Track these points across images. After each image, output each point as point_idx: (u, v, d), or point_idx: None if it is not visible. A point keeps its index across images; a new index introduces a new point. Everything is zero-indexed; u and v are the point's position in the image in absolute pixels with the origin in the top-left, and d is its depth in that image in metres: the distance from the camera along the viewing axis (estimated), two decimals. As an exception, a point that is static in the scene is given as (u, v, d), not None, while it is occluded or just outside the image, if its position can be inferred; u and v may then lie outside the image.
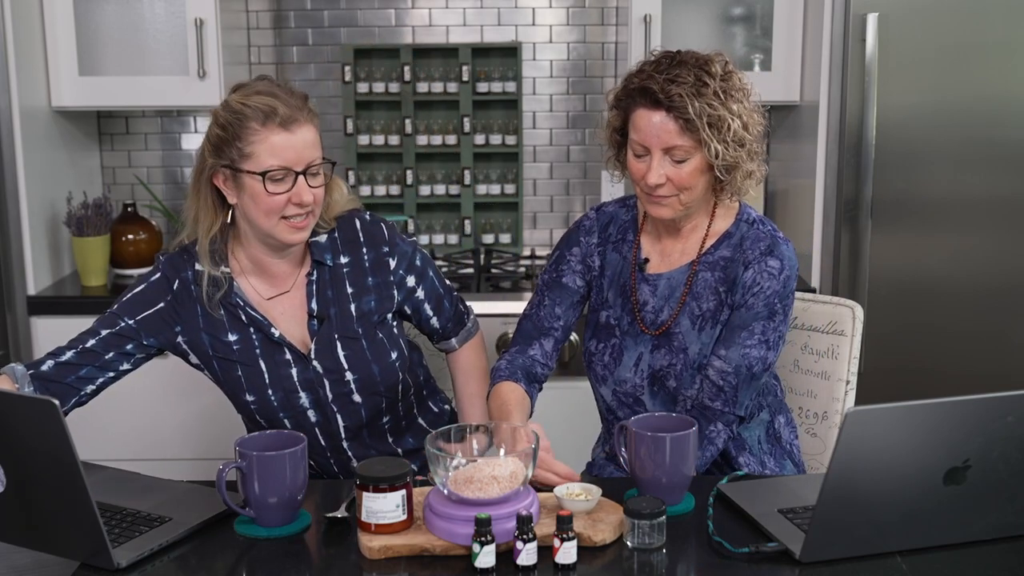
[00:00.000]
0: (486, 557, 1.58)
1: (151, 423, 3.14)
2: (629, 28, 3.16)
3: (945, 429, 1.56)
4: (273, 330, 2.02)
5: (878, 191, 2.98)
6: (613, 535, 1.68)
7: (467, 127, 3.52)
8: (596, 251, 2.15)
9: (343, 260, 2.07)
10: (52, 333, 3.10)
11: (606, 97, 2.06)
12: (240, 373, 2.02)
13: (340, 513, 1.75)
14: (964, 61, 2.93)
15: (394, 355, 2.08)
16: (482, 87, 3.50)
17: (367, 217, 2.12)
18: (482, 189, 3.57)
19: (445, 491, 1.66)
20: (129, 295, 2.03)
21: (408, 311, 2.15)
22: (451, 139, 3.52)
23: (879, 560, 1.62)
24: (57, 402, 1.51)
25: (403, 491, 1.66)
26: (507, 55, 3.52)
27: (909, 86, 2.95)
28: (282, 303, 2.05)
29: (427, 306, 2.16)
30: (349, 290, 2.06)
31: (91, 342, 1.98)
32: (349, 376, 2.04)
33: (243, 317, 2.02)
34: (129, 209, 3.38)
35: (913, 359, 3.05)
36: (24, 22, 3.08)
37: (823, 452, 2.23)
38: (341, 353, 2.04)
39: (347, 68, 3.49)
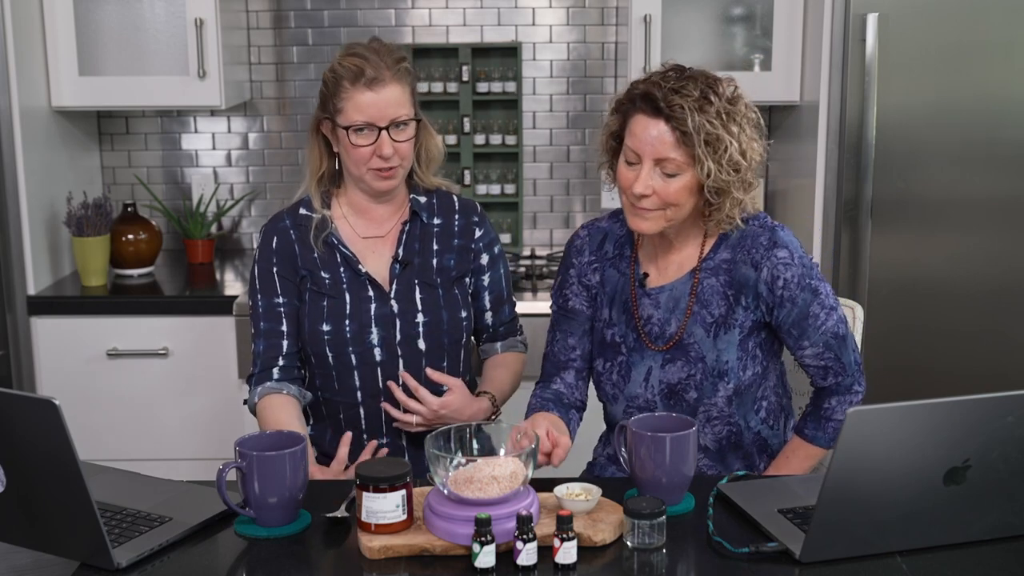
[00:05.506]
0: (486, 557, 1.58)
1: (151, 423, 3.14)
2: (629, 28, 3.16)
3: (945, 429, 1.56)
4: (360, 267, 2.20)
5: (878, 191, 2.97)
6: (613, 535, 1.68)
7: (467, 127, 3.51)
8: (590, 269, 2.13)
9: (436, 221, 2.26)
10: (52, 333, 3.11)
11: (609, 102, 2.04)
12: (325, 303, 2.19)
13: (340, 513, 1.75)
14: (964, 61, 2.93)
15: (464, 313, 2.23)
16: (482, 87, 3.50)
17: (464, 198, 2.33)
18: (482, 189, 3.57)
19: (445, 491, 1.66)
20: (258, 280, 2.21)
21: (470, 290, 2.26)
22: (451, 139, 3.52)
23: (879, 560, 1.62)
24: (57, 402, 1.51)
25: (403, 491, 1.66)
26: (507, 55, 3.52)
27: (909, 86, 2.94)
28: (375, 245, 2.24)
29: (486, 296, 2.29)
30: (435, 246, 2.24)
31: (285, 326, 2.19)
32: (420, 318, 2.19)
33: (337, 255, 2.20)
34: (129, 209, 3.39)
35: (913, 359, 3.05)
36: (24, 22, 3.08)
37: (823, 452, 2.23)
38: (418, 296, 2.20)
39: (347, 68, 3.49)
